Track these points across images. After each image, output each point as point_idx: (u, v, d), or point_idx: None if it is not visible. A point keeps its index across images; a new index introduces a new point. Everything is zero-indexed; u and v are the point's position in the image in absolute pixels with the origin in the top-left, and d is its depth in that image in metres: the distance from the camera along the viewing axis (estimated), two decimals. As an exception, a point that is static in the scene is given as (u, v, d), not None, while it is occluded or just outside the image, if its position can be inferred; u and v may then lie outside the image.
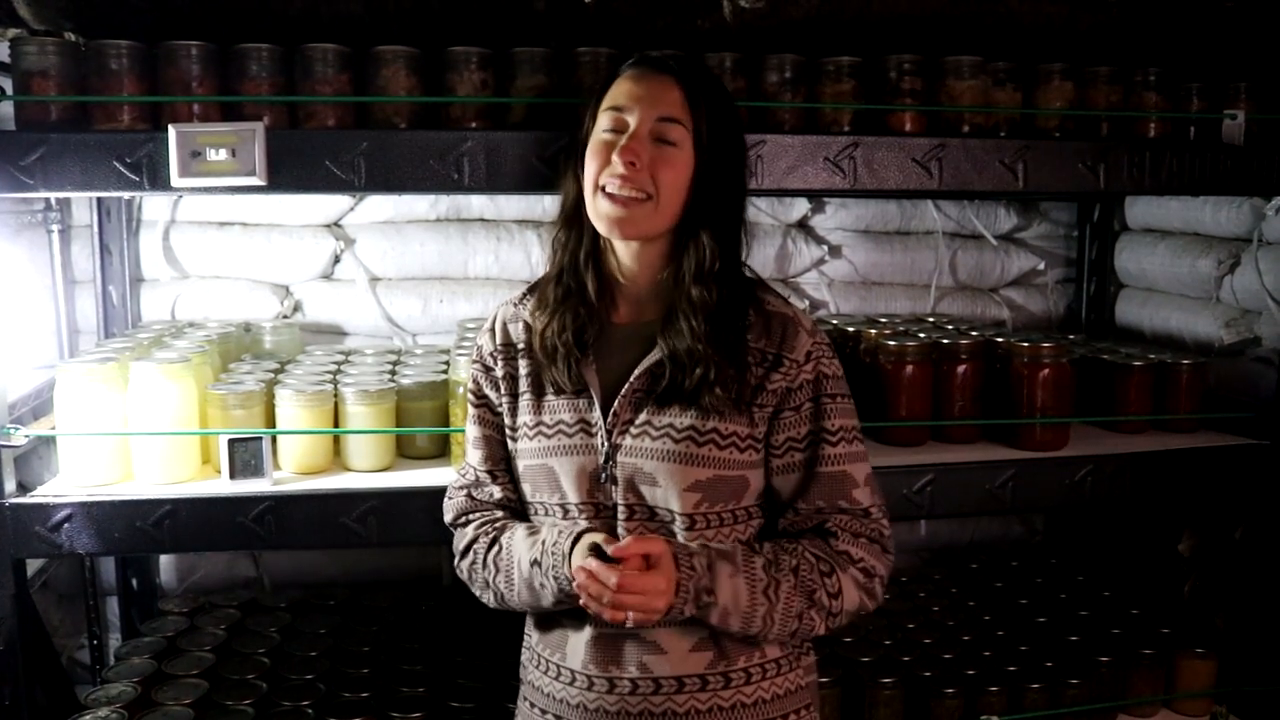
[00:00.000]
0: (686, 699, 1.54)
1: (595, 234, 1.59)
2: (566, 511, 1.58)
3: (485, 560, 1.61)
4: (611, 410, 1.55)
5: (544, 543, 1.54)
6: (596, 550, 1.48)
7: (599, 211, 1.54)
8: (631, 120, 1.53)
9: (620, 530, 1.55)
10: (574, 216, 1.61)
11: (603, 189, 1.52)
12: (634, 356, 1.57)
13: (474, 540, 1.64)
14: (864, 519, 1.58)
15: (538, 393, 1.61)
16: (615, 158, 1.51)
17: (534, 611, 1.64)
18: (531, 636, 1.68)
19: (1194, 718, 2.53)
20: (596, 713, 1.56)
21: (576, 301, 1.59)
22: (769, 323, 1.58)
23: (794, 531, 1.59)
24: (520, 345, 1.64)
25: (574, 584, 1.46)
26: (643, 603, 1.42)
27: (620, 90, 1.55)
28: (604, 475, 1.55)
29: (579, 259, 1.60)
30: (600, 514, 1.56)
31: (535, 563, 1.54)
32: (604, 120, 1.55)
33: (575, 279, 1.61)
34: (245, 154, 1.83)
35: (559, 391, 1.59)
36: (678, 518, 1.54)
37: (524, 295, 1.68)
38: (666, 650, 1.54)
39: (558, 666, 1.60)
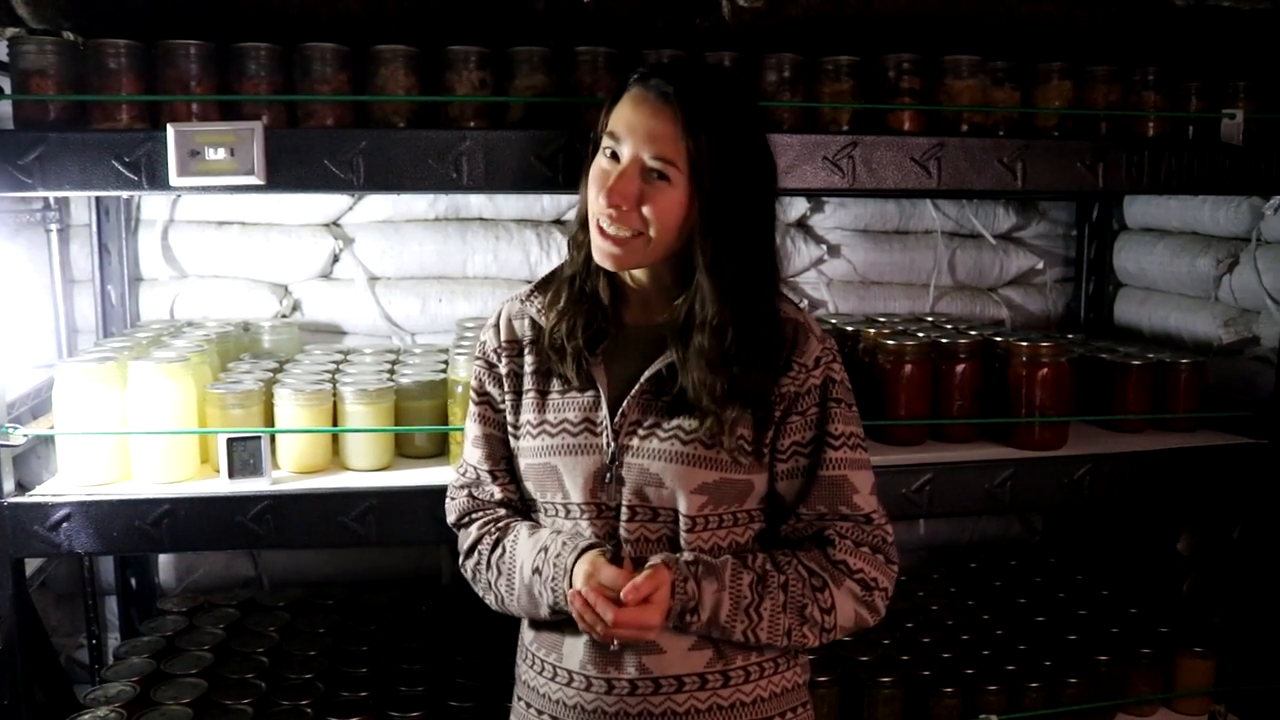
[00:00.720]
0: (686, 698, 1.53)
1: None
2: (569, 511, 1.58)
3: (489, 561, 1.61)
4: (620, 411, 1.55)
5: (546, 550, 1.54)
6: (613, 554, 1.50)
7: (595, 246, 1.53)
8: (624, 154, 1.48)
9: (622, 531, 1.55)
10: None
11: (597, 222, 1.51)
12: (644, 358, 1.56)
13: (478, 540, 1.64)
14: (865, 525, 1.57)
15: (542, 390, 1.60)
16: (602, 199, 1.48)
17: (532, 616, 1.64)
18: (526, 636, 1.67)
19: (1192, 716, 2.54)
20: (595, 713, 1.55)
21: (589, 303, 1.59)
22: (780, 328, 1.58)
23: (794, 539, 1.59)
24: (525, 342, 1.63)
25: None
26: (635, 635, 1.45)
27: (620, 115, 1.51)
28: (609, 475, 1.55)
29: (592, 263, 1.59)
30: (602, 514, 1.55)
31: (536, 570, 1.54)
32: (605, 141, 1.52)
33: (589, 282, 1.60)
34: (244, 153, 1.83)
35: (564, 390, 1.58)
36: (681, 519, 1.54)
37: (531, 292, 1.66)
38: (665, 650, 1.53)
39: (554, 667, 1.60)
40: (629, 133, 1.49)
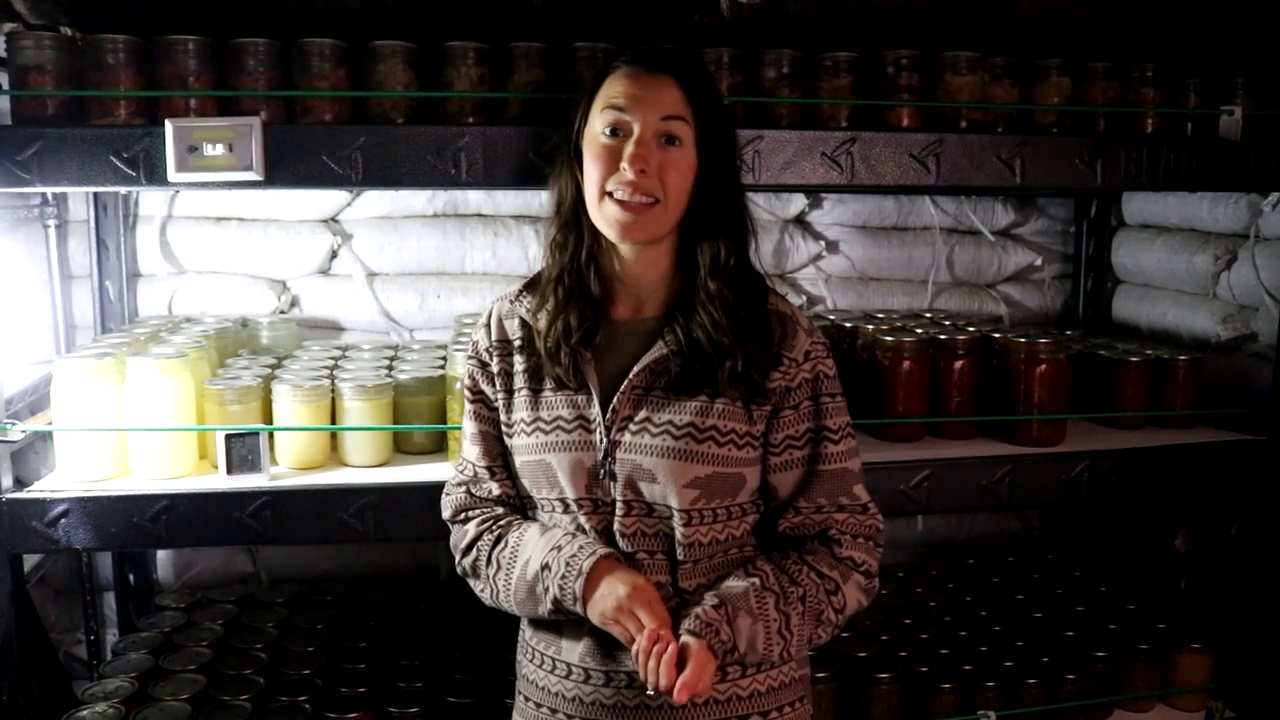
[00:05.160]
0: None
1: (596, 234, 1.58)
2: (566, 506, 1.58)
3: (490, 557, 1.61)
4: (610, 407, 1.56)
5: (560, 549, 1.53)
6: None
7: (607, 217, 1.53)
8: (636, 124, 1.51)
9: (617, 526, 1.55)
10: (573, 218, 1.60)
11: (610, 195, 1.52)
12: (633, 353, 1.58)
13: (478, 537, 1.64)
14: (862, 515, 1.62)
15: (535, 389, 1.61)
16: (625, 165, 1.50)
17: (526, 612, 1.64)
18: (526, 631, 1.68)
19: (1190, 713, 2.54)
20: (593, 706, 1.56)
21: (581, 301, 1.59)
22: (769, 322, 1.59)
23: (795, 536, 1.61)
24: (516, 341, 1.64)
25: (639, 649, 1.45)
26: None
27: (617, 90, 1.54)
28: (602, 471, 1.55)
29: (580, 260, 1.60)
30: (599, 510, 1.56)
31: (545, 566, 1.53)
32: (601, 121, 1.54)
33: (578, 279, 1.60)
34: (242, 149, 1.82)
35: (557, 388, 1.59)
36: (676, 514, 1.54)
37: (520, 292, 1.67)
38: None
39: (553, 660, 1.60)
40: (635, 103, 1.52)
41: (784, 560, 1.58)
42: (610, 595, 1.48)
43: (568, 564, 1.51)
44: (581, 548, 1.53)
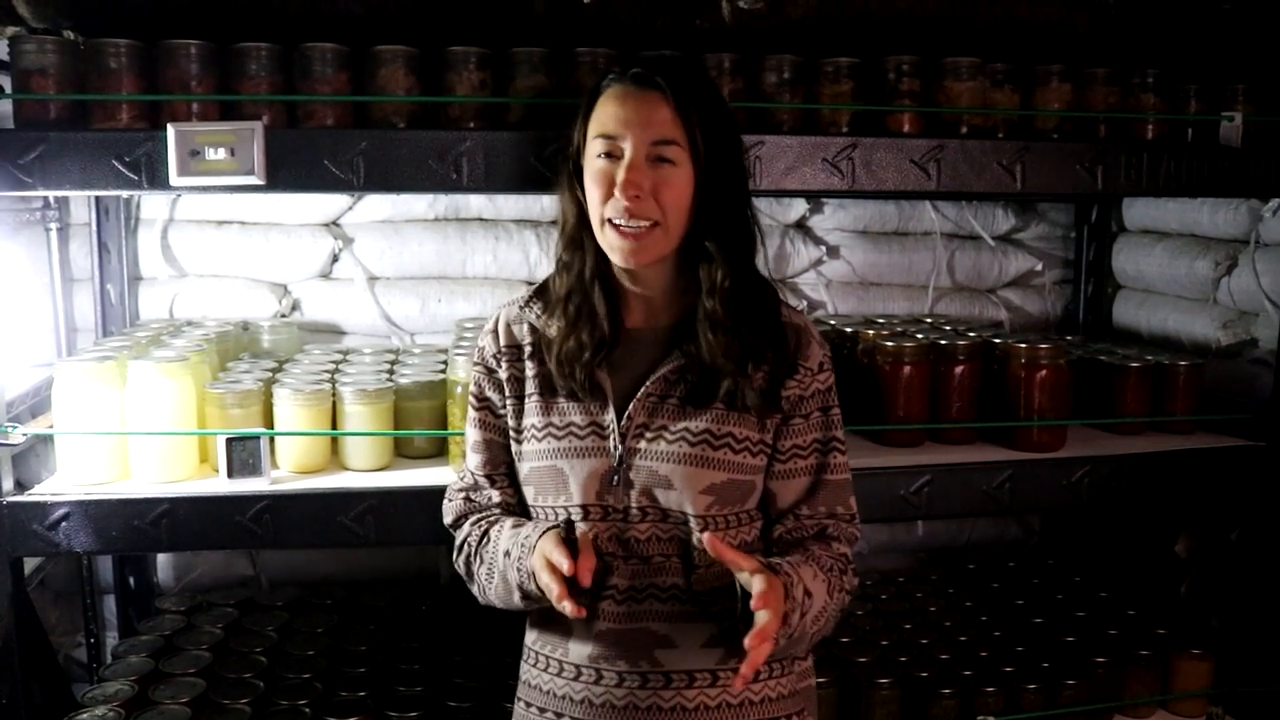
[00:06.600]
0: (696, 694, 1.54)
1: (600, 252, 1.58)
2: (570, 515, 1.57)
3: (476, 552, 1.62)
4: (626, 414, 1.56)
5: (519, 530, 1.55)
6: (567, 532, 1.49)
7: (609, 244, 1.53)
8: (626, 148, 1.50)
9: (632, 533, 1.55)
10: (577, 237, 1.60)
11: (610, 221, 1.52)
12: (649, 361, 1.58)
13: (469, 535, 1.65)
14: (848, 524, 1.64)
15: (547, 395, 1.60)
16: (618, 193, 1.49)
17: (525, 610, 1.64)
18: (529, 636, 1.68)
19: (1190, 718, 2.54)
20: (603, 708, 1.55)
21: (591, 320, 1.58)
22: (784, 332, 1.60)
23: (791, 540, 1.61)
24: (527, 347, 1.63)
25: None
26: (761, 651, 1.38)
27: (608, 113, 1.53)
28: (616, 478, 1.55)
29: (585, 279, 1.59)
30: (609, 516, 1.56)
31: (506, 553, 1.54)
32: (596, 145, 1.53)
33: (584, 299, 1.59)
34: (244, 153, 1.83)
35: (571, 394, 1.59)
36: (691, 520, 1.54)
37: (529, 299, 1.66)
38: (678, 644, 1.54)
39: (560, 662, 1.60)
40: (625, 126, 1.51)
41: (798, 547, 1.59)
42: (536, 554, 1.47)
43: (523, 545, 1.52)
44: (537, 527, 1.53)
